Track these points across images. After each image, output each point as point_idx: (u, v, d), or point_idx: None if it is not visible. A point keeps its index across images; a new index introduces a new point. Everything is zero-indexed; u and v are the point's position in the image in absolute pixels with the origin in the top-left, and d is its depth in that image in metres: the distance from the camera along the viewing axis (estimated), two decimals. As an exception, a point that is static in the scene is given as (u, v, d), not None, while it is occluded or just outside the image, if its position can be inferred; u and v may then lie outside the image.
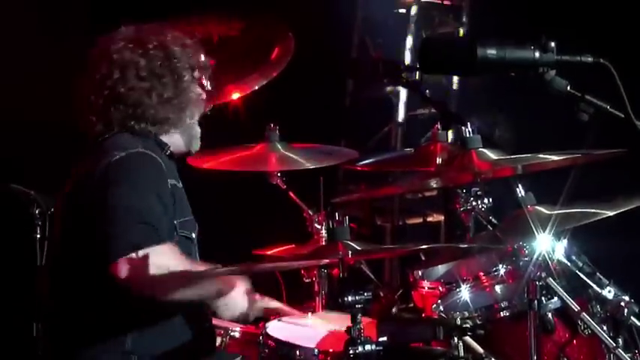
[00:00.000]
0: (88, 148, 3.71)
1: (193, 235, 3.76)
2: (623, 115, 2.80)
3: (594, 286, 3.99)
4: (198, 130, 3.84)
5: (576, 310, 3.92)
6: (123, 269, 3.35)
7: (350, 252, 3.44)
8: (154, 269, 3.36)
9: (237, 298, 3.75)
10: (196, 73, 3.77)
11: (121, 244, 3.37)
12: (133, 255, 3.35)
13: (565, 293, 3.90)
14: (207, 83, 3.83)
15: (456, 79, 7.56)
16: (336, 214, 3.50)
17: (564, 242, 4.03)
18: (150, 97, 3.66)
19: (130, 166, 3.52)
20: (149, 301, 3.47)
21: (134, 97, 3.65)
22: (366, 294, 3.37)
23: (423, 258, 4.61)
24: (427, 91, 5.78)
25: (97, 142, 3.67)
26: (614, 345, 3.85)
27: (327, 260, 3.83)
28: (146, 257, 3.36)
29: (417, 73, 6.34)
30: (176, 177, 3.74)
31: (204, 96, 3.82)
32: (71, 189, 3.67)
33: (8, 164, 5.43)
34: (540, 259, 3.82)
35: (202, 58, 3.80)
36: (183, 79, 3.72)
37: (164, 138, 3.74)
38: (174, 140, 3.78)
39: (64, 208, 3.70)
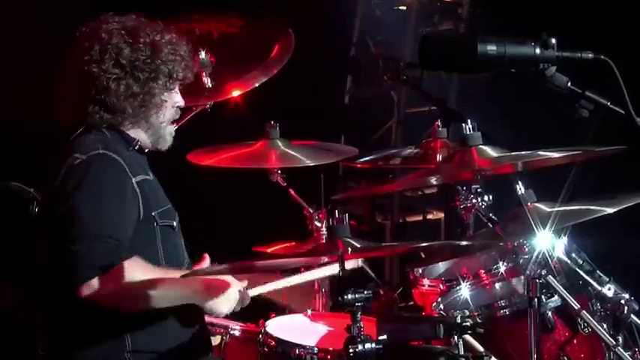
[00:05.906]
0: (62, 147, 3.68)
1: (174, 224, 3.73)
2: (623, 112, 2.80)
3: (594, 283, 3.98)
4: (168, 130, 3.78)
5: (576, 308, 3.91)
6: (87, 291, 3.38)
7: (350, 249, 3.43)
8: (118, 287, 3.40)
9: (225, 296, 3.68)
10: (171, 83, 3.73)
11: (85, 268, 3.38)
12: (95, 280, 3.38)
13: (565, 291, 3.89)
14: (178, 97, 3.78)
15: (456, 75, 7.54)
16: (336, 211, 3.49)
17: (564, 240, 4.03)
18: (118, 85, 3.63)
19: (88, 171, 3.50)
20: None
21: (102, 80, 3.61)
22: (365, 292, 3.36)
23: (423, 256, 4.61)
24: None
25: (68, 140, 3.65)
26: (614, 343, 3.84)
27: (327, 258, 3.83)
28: (110, 277, 3.39)
29: (417, 70, 6.35)
30: (146, 171, 3.70)
31: (175, 104, 3.76)
32: (43, 193, 3.67)
33: (8, 162, 5.41)
34: (540, 256, 3.82)
35: (186, 71, 3.75)
36: (157, 81, 3.68)
37: (131, 132, 3.71)
38: (140, 137, 3.74)
39: (41, 213, 3.70)
